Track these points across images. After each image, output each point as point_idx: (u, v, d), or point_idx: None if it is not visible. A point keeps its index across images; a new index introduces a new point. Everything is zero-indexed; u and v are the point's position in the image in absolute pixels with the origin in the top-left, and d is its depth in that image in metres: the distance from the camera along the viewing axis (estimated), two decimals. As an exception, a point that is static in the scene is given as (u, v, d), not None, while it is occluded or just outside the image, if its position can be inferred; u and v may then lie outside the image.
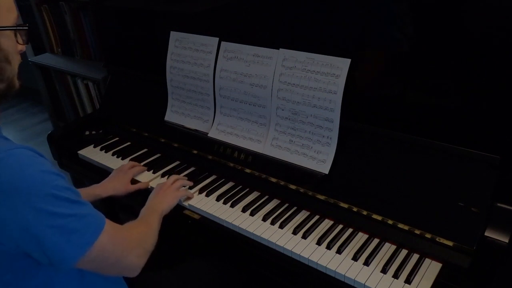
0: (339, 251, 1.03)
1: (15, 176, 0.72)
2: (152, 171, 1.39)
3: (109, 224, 0.84)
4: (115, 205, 1.76)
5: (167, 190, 1.21)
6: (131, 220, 1.03)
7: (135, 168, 1.37)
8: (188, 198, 1.25)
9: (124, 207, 1.79)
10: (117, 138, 1.62)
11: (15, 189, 0.72)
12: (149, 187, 1.33)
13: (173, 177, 1.29)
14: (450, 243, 0.97)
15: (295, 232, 1.09)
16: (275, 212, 1.17)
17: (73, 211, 0.77)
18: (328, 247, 1.04)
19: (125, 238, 0.89)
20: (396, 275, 0.95)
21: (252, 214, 1.17)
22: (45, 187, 0.75)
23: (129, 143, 1.59)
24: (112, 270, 0.89)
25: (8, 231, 0.74)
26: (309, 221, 1.13)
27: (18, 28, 0.84)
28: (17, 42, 0.85)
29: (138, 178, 1.37)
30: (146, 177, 1.36)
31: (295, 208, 1.19)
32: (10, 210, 0.72)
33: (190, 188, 1.29)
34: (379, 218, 1.06)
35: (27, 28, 0.87)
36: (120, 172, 1.34)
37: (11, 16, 0.83)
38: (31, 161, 0.76)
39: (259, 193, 1.26)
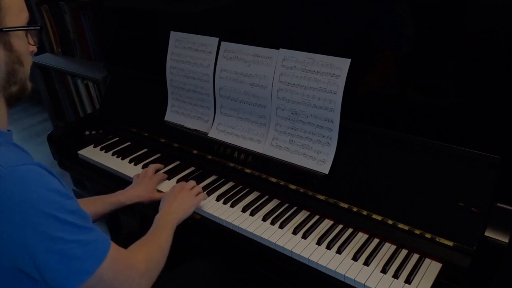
0: (339, 251, 1.03)
1: (19, 193, 0.69)
2: (152, 171, 1.39)
3: (113, 251, 0.79)
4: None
5: (186, 196, 1.16)
6: (134, 225, 0.98)
7: (159, 173, 1.33)
8: None
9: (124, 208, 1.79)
10: (117, 138, 1.62)
11: (18, 206, 0.69)
12: None
13: (192, 182, 1.24)
14: (450, 243, 0.97)
15: (295, 232, 1.09)
16: (275, 212, 1.17)
17: (77, 236, 0.74)
18: (328, 247, 1.04)
19: (129, 268, 0.83)
20: (396, 275, 0.95)
21: (252, 214, 1.17)
22: (49, 208, 0.71)
23: (129, 143, 1.59)
24: None
25: (7, 249, 0.71)
26: (309, 221, 1.13)
27: (30, 28, 0.82)
28: (28, 42, 0.83)
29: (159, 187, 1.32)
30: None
31: (295, 208, 1.19)
32: (12, 227, 0.69)
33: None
34: (379, 218, 1.06)
35: (39, 28, 0.85)
36: (145, 178, 1.28)
37: (23, 15, 0.81)
38: (37, 179, 0.72)
39: (259, 193, 1.26)
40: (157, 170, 1.36)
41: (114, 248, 0.81)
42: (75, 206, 0.76)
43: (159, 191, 1.29)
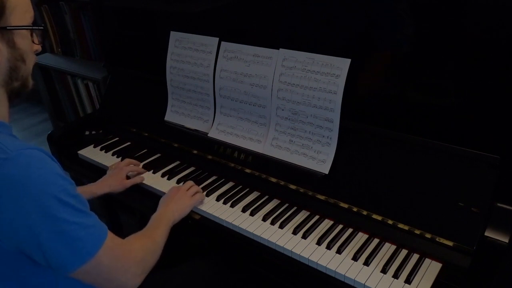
0: (339, 251, 1.03)
1: (25, 175, 0.72)
2: (152, 171, 1.39)
3: (111, 238, 0.82)
4: (115, 206, 1.76)
5: (182, 197, 1.17)
6: (134, 225, 1.01)
7: (131, 167, 1.37)
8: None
9: (124, 208, 1.79)
10: (117, 138, 1.62)
11: (23, 187, 0.72)
12: (143, 182, 1.33)
13: (189, 183, 1.25)
14: (450, 243, 0.97)
15: (295, 232, 1.09)
16: (275, 212, 1.17)
17: (78, 219, 0.76)
18: (328, 247, 1.04)
19: (125, 255, 0.86)
20: (396, 275, 0.95)
21: (252, 214, 1.17)
22: (53, 190, 0.74)
23: (129, 143, 1.59)
24: (106, 285, 0.85)
25: (11, 229, 0.73)
26: (309, 221, 1.13)
27: (33, 28, 0.84)
28: (33, 41, 0.85)
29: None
30: (146, 178, 1.36)
31: (295, 208, 1.19)
32: (16, 208, 0.72)
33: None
34: (379, 218, 1.06)
35: (42, 28, 0.88)
36: (115, 169, 1.34)
37: (27, 15, 0.83)
38: (42, 162, 0.75)
39: (259, 193, 1.26)
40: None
41: (111, 235, 0.84)
42: (75, 191, 0.79)
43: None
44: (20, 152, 0.73)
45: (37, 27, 0.86)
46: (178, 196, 1.17)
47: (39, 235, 0.73)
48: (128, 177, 1.34)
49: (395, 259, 1.00)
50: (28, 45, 0.84)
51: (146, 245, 0.95)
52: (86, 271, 0.78)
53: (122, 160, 1.46)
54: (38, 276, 0.81)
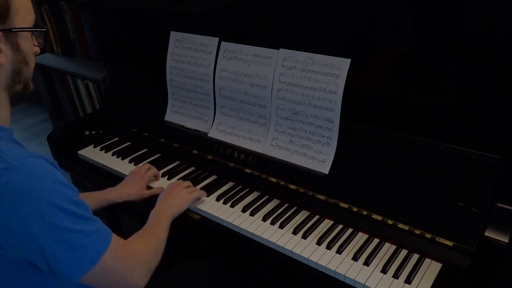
0: (339, 251, 1.03)
1: (27, 183, 0.71)
2: (152, 171, 1.39)
3: (115, 241, 0.82)
4: (116, 207, 1.75)
5: (181, 192, 1.17)
6: (135, 226, 1.00)
7: (151, 171, 1.32)
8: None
9: (124, 208, 1.79)
10: (117, 138, 1.62)
11: (25, 197, 0.71)
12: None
13: (188, 182, 1.25)
14: (450, 243, 0.97)
15: (295, 232, 1.09)
16: (275, 212, 1.17)
17: (81, 227, 0.76)
18: (328, 247, 1.04)
19: (129, 257, 0.86)
20: (396, 275, 0.95)
21: (252, 214, 1.17)
22: (55, 198, 0.73)
23: (129, 143, 1.59)
24: (114, 287, 0.85)
25: (13, 239, 0.73)
26: (309, 221, 1.13)
27: (37, 29, 0.84)
28: (33, 43, 0.85)
29: (150, 183, 1.33)
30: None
31: (295, 208, 1.19)
32: (18, 217, 0.71)
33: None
34: (379, 218, 1.06)
35: (45, 30, 0.87)
36: (136, 176, 1.29)
37: (29, 17, 0.82)
38: (44, 171, 0.74)
39: (259, 193, 1.26)
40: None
41: (115, 238, 0.83)
42: (78, 198, 0.79)
43: (149, 187, 1.30)
44: (22, 161, 0.73)
45: (40, 29, 0.85)
46: (176, 192, 1.17)
47: (42, 245, 0.72)
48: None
49: (395, 259, 1.00)
50: (30, 47, 0.83)
51: (150, 244, 0.95)
52: (92, 276, 0.78)
53: (122, 160, 1.47)
54: (39, 281, 0.80)
